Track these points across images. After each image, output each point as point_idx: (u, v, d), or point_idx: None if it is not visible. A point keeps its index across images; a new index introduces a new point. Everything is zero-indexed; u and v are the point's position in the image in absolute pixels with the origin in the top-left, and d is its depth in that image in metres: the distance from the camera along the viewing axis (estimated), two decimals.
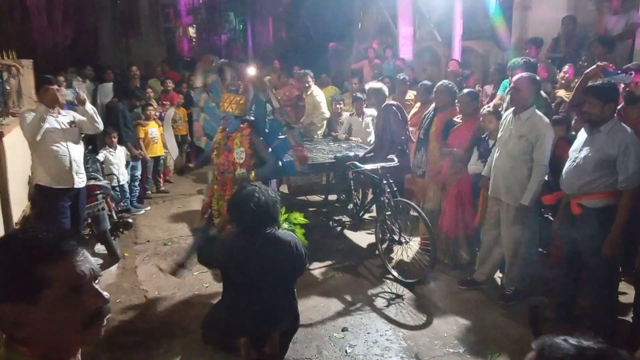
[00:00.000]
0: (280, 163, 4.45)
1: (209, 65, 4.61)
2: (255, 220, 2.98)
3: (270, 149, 4.37)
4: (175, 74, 10.25)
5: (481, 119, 4.62)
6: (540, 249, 4.59)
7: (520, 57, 5.09)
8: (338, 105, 7.14)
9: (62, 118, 4.52)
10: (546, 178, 4.09)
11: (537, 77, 4.17)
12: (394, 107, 5.29)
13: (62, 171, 4.49)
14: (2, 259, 1.03)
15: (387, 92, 5.62)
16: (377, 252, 5.04)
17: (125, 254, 5.32)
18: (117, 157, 6.27)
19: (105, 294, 1.10)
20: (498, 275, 4.57)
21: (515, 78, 4.15)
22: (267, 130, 4.45)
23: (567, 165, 3.67)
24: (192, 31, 22.85)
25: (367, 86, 5.74)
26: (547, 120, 4.02)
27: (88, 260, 1.09)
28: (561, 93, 5.32)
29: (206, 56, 4.88)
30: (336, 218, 6.25)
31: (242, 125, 4.35)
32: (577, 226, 3.62)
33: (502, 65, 6.28)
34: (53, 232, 1.08)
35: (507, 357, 3.50)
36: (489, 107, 4.89)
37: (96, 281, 1.10)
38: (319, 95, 7.19)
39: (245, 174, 4.28)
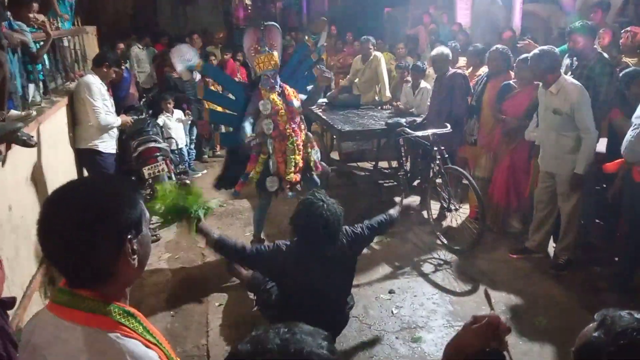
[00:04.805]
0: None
1: (190, 55, 4.44)
2: (318, 236, 2.84)
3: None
4: None
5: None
6: (597, 220, 4.47)
7: (579, 21, 4.83)
8: (409, 77, 6.46)
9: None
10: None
11: (553, 49, 4.00)
12: (461, 78, 5.09)
13: (114, 138, 4.95)
14: (97, 204, 1.07)
15: (451, 58, 5.40)
16: (426, 218, 5.06)
17: None
18: (174, 121, 6.51)
19: None
20: (551, 245, 4.49)
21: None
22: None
23: (629, 132, 3.54)
24: None
25: (433, 53, 5.49)
26: (577, 84, 3.86)
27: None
28: (626, 58, 5.05)
29: (179, 46, 4.62)
30: (386, 185, 6.27)
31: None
32: (638, 194, 3.52)
33: (564, 29, 5.97)
34: (120, 180, 1.23)
35: (556, 325, 3.48)
36: None
37: None
38: (382, 61, 6.94)
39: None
